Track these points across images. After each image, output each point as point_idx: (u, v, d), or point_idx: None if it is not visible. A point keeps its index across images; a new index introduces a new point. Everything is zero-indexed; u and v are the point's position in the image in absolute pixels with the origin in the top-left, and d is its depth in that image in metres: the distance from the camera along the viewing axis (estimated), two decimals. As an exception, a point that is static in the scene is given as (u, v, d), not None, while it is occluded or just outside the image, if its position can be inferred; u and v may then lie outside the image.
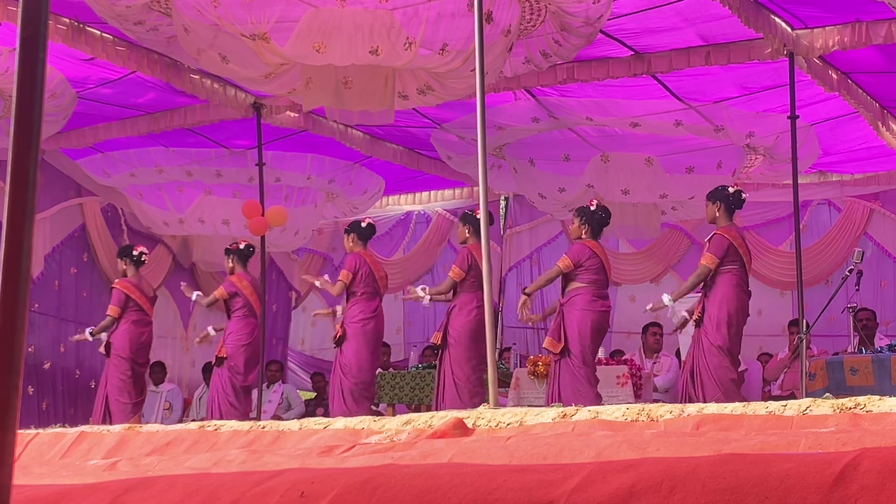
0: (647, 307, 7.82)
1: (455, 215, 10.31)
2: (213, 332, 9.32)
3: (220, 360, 8.87)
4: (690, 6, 7.43)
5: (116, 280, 9.25)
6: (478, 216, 8.13)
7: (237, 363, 8.84)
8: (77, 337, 9.52)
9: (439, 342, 8.06)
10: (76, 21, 7.58)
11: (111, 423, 7.96)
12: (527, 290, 8.02)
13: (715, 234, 7.42)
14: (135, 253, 9.23)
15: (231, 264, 9.13)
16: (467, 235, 8.23)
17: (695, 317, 7.33)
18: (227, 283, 9.05)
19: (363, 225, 8.59)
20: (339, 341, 8.25)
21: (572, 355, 7.44)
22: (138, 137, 10.12)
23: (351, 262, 8.40)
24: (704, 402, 6.92)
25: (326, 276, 9.14)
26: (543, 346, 7.81)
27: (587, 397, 7.26)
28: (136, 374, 9.01)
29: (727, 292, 7.25)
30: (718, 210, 7.48)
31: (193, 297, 9.39)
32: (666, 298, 7.65)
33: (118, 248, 9.73)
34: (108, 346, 9.00)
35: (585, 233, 7.77)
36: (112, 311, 9.00)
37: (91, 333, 9.17)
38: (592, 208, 7.84)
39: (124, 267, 9.17)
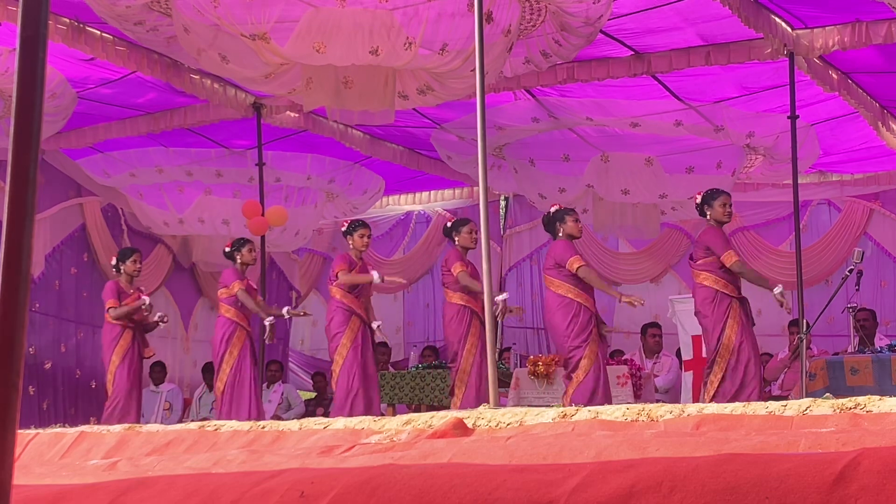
0: (777, 291, 7.21)
1: (455, 215, 10.30)
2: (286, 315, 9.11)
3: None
4: (690, 6, 7.43)
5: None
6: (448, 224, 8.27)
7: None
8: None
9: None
10: (76, 21, 7.58)
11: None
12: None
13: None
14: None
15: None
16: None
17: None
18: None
19: None
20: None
21: None
22: (138, 137, 10.12)
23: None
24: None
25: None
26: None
27: None
28: None
29: None
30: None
31: (285, 314, 9.02)
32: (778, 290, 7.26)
33: (138, 251, 9.21)
34: (144, 345, 8.87)
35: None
36: None
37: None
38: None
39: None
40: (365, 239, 8.34)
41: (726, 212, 7.36)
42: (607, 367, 7.81)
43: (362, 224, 8.44)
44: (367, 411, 7.64)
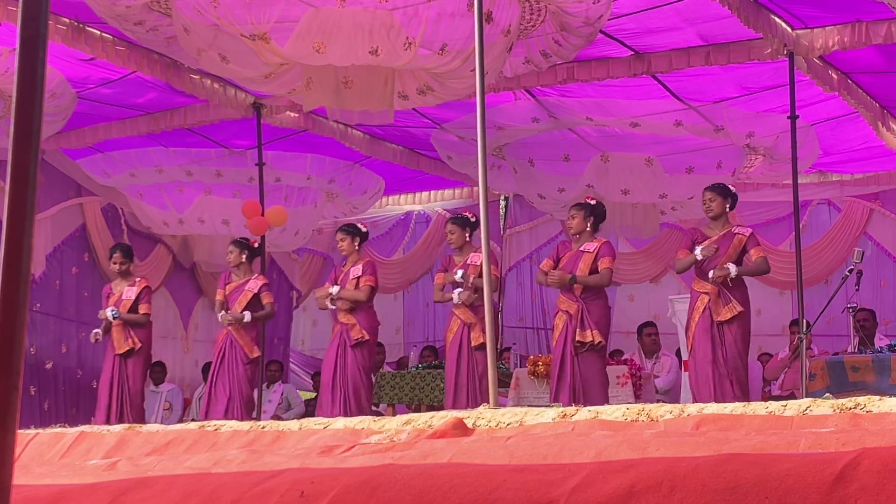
0: (712, 275, 7.07)
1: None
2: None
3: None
4: (690, 6, 7.43)
5: (141, 277, 9.11)
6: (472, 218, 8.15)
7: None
8: (97, 331, 8.78)
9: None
10: (76, 21, 7.58)
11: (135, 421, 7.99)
12: (574, 280, 7.50)
13: (754, 232, 7.41)
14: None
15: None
16: (466, 239, 8.17)
17: (727, 315, 7.13)
18: (265, 285, 8.75)
19: (364, 230, 8.54)
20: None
21: (601, 350, 7.49)
22: (138, 137, 10.12)
23: (373, 269, 8.33)
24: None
25: (331, 288, 8.28)
26: (577, 339, 7.37)
27: (605, 392, 7.38)
28: None
29: (745, 290, 7.27)
30: (729, 207, 7.41)
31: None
32: (732, 269, 7.08)
33: (120, 247, 9.05)
34: (131, 347, 8.76)
35: (591, 226, 7.67)
36: (148, 309, 8.68)
37: (114, 315, 8.53)
38: (594, 203, 7.80)
39: (128, 266, 8.83)
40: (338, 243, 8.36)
41: (703, 207, 7.39)
42: (606, 367, 7.81)
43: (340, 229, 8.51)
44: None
